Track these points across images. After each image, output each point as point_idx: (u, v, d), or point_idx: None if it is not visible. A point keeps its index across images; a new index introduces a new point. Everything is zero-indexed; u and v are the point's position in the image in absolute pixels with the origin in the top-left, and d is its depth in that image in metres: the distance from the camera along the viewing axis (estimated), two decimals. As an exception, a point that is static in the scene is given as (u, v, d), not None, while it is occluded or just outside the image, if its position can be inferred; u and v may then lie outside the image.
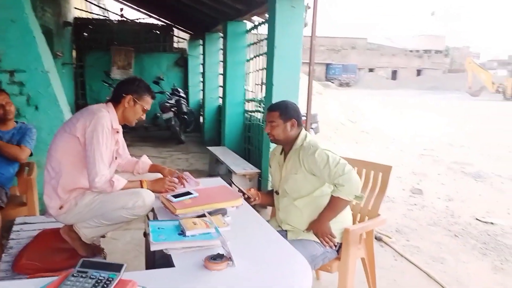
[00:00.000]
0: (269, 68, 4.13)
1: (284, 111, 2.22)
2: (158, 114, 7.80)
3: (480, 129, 11.07)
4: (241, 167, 4.52)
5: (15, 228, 2.34)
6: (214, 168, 5.43)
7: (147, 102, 2.15)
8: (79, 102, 8.43)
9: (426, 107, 17.36)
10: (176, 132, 7.60)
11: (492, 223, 3.95)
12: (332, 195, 2.10)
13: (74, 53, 8.70)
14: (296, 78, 4.01)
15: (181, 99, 7.92)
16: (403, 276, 2.89)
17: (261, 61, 5.38)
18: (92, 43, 8.95)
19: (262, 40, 5.34)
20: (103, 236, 2.27)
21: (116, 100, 2.10)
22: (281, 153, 2.36)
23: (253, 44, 5.77)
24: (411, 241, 3.49)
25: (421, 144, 8.49)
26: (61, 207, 1.98)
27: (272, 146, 4.05)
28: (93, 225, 2.01)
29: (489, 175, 5.89)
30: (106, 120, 1.96)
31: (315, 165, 2.09)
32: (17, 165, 2.86)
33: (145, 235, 2.48)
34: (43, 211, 2.95)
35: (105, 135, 1.94)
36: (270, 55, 4.12)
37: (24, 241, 2.18)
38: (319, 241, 2.14)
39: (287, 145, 2.28)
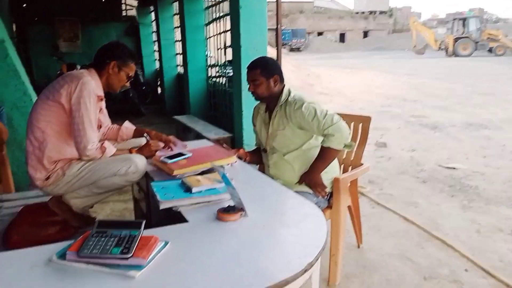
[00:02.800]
0: (235, 30, 4.04)
1: (265, 67, 2.18)
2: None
3: (429, 84, 11.62)
4: (212, 132, 4.49)
5: (-6, 206, 2.20)
6: (183, 137, 5.34)
7: (131, 69, 2.06)
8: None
9: (376, 66, 17.89)
10: (135, 104, 7.35)
11: (454, 168, 4.22)
12: (322, 146, 2.14)
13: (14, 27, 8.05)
14: (263, 39, 3.97)
15: (137, 70, 7.62)
16: (382, 220, 3.05)
17: (222, 24, 5.26)
18: (32, 14, 8.30)
19: (220, 2, 5.19)
20: (91, 207, 2.19)
21: (98, 67, 1.99)
22: (265, 111, 2.35)
23: (211, 6, 5.60)
24: (384, 190, 3.67)
25: (377, 101, 8.80)
26: (47, 178, 1.89)
27: (246, 108, 4.07)
28: (84, 195, 1.94)
29: (445, 126, 6.24)
30: (91, 85, 1.86)
31: (303, 119, 2.11)
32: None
33: (136, 200, 2.43)
34: (18, 189, 2.81)
35: (92, 100, 1.84)
36: (234, 16, 4.03)
37: (7, 218, 2.06)
38: (311, 192, 2.19)
39: (271, 102, 2.26)
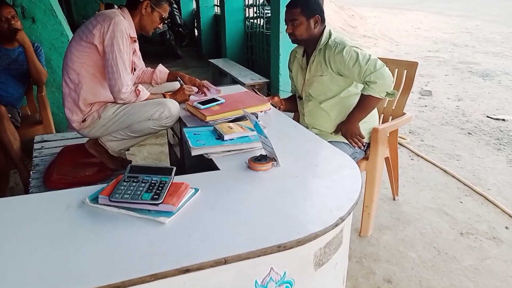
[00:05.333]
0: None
1: (306, 6, 2.03)
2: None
3: (483, 27, 10.73)
4: (248, 77, 4.39)
5: (36, 146, 2.30)
6: (218, 81, 5.29)
7: (165, 10, 1.96)
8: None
9: (426, 7, 16.63)
10: (172, 46, 7.28)
11: (503, 119, 3.97)
12: (362, 94, 2.03)
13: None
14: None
15: (174, 10, 7.45)
16: (421, 173, 2.96)
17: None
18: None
19: None
20: (128, 149, 2.23)
21: (131, 6, 1.91)
22: (303, 55, 2.23)
23: None
24: (425, 141, 3.52)
25: (425, 46, 8.27)
26: (83, 121, 1.91)
27: (283, 51, 3.92)
28: (120, 138, 1.96)
29: (497, 73, 5.81)
30: (124, 25, 1.80)
31: (344, 64, 1.98)
32: (26, 84, 2.73)
33: (170, 145, 2.46)
34: (58, 129, 2.91)
35: (125, 41, 1.79)
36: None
37: (48, 158, 2.15)
38: (348, 142, 2.12)
39: (310, 45, 2.14)
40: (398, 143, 3.43)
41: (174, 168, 1.21)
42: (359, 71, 1.95)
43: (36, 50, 2.64)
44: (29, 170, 2.14)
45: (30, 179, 1.97)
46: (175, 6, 7.67)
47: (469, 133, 3.67)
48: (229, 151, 1.49)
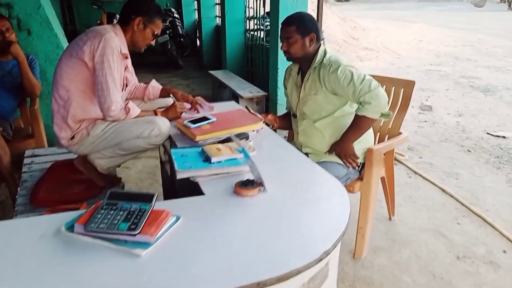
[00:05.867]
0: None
1: (302, 24, 2.01)
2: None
3: (485, 40, 10.70)
4: (247, 90, 4.36)
5: (26, 161, 2.26)
6: (218, 93, 5.27)
7: (158, 26, 1.94)
8: (68, 28, 7.96)
9: (429, 19, 16.65)
10: (173, 56, 7.27)
11: (504, 136, 3.92)
12: (356, 114, 1.99)
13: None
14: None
15: (176, 20, 7.46)
16: (418, 192, 2.90)
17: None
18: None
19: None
20: (119, 166, 2.20)
21: (124, 22, 1.89)
22: (298, 73, 2.20)
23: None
24: (424, 158, 3.47)
25: (426, 59, 8.24)
26: (72, 138, 1.88)
27: (281, 65, 3.89)
28: (109, 155, 1.93)
29: (498, 88, 5.77)
30: (115, 42, 1.78)
31: (338, 83, 1.95)
32: (19, 97, 2.71)
33: (162, 162, 2.42)
34: (51, 143, 2.88)
35: (116, 58, 1.77)
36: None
37: (37, 174, 2.12)
38: (341, 163, 2.07)
39: (305, 64, 2.11)
40: (396, 160, 3.39)
41: (156, 195, 1.18)
42: (354, 91, 1.92)
43: (31, 63, 2.62)
44: (18, 185, 2.11)
45: (17, 196, 1.93)
46: (177, 16, 7.69)
47: (468, 150, 3.62)
48: (216, 174, 1.46)
